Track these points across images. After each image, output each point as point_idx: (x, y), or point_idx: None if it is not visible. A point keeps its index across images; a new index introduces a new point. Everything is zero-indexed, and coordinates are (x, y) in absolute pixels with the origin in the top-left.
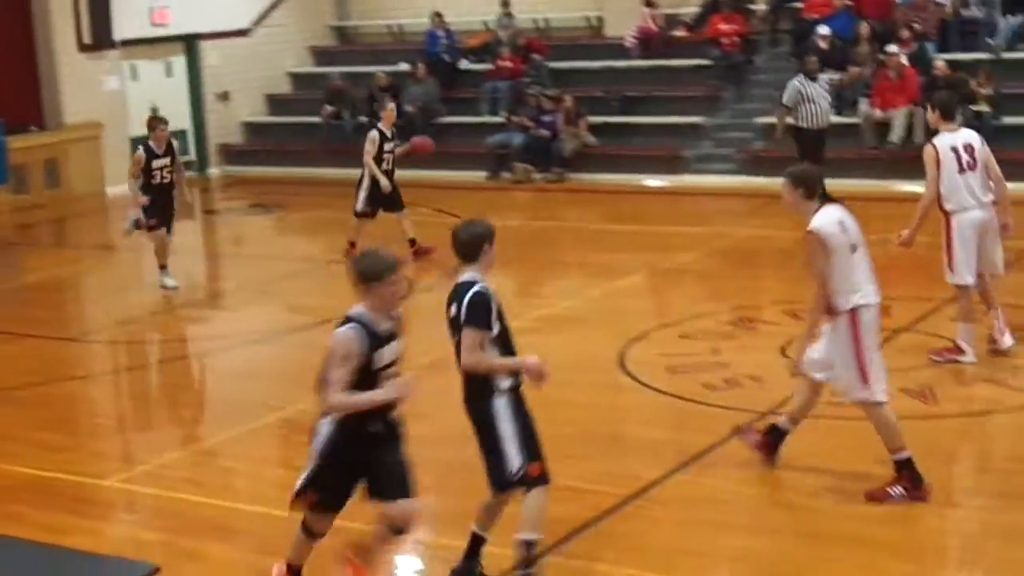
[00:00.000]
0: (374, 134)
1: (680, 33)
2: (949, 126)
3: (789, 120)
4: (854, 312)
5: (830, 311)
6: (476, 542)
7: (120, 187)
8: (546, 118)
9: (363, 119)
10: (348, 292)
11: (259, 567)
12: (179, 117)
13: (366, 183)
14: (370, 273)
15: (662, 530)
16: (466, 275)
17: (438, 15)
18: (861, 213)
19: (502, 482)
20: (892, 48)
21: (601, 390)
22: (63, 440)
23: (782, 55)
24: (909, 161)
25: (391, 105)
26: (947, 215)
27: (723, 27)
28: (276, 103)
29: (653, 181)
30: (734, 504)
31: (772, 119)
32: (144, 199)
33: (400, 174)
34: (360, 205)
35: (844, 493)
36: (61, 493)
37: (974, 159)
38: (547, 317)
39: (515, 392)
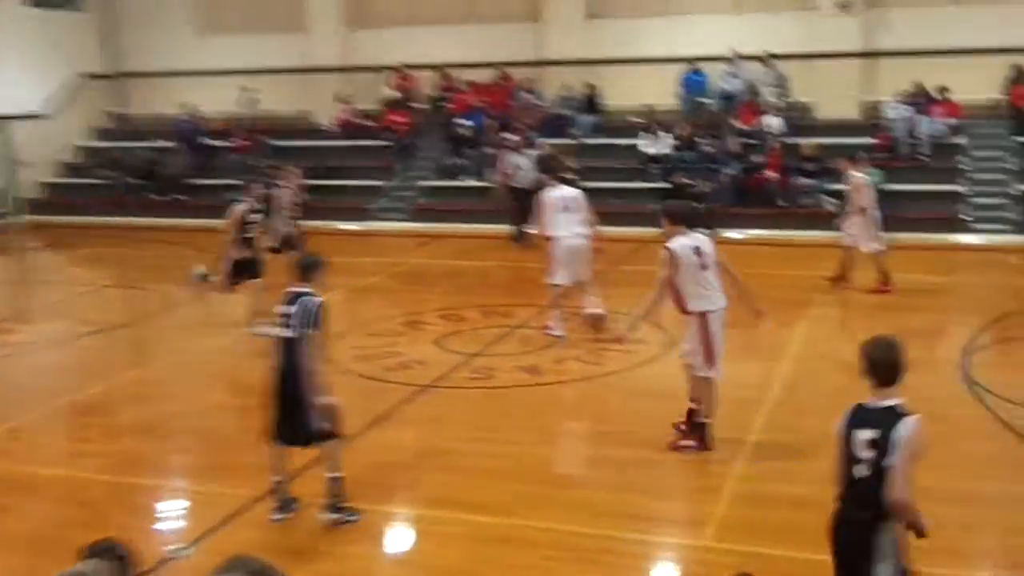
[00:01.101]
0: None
1: (366, 122)
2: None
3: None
4: (703, 315)
5: (684, 312)
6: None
7: None
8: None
9: (131, 180)
10: (114, 309)
11: (55, 514)
12: None
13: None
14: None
15: (361, 466)
16: (307, 288)
17: (191, 106)
18: (489, 245)
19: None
20: (509, 135)
21: None
22: None
23: (437, 140)
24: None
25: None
26: (551, 239)
27: (396, 119)
28: (68, 168)
29: (348, 225)
30: (409, 449)
31: (432, 182)
32: (234, 254)
33: (158, 222)
34: None
35: (487, 441)
36: None
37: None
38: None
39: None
